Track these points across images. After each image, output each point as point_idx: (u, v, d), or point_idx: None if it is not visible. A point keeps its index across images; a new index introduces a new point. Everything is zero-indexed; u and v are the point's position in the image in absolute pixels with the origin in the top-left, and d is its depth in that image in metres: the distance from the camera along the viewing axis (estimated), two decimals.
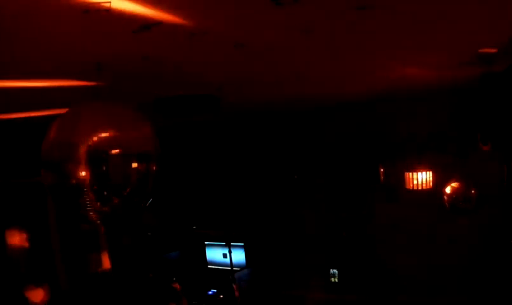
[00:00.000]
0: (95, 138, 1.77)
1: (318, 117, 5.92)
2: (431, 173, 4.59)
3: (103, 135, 1.80)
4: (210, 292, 6.13)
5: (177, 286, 5.66)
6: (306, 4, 1.52)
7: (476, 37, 2.40)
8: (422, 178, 4.56)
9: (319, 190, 5.92)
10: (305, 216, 6.10)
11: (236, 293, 5.35)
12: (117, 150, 1.80)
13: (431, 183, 4.60)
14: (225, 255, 6.14)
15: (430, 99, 5.08)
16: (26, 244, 5.17)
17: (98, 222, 1.87)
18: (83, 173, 1.73)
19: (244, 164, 6.38)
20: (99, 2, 1.28)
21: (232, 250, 5.43)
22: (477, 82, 3.73)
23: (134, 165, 1.85)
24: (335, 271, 5.71)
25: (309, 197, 6.04)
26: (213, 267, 6.46)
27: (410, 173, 4.61)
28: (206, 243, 6.52)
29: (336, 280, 5.71)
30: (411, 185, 4.61)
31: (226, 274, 5.68)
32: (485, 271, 4.83)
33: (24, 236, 5.16)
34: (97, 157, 1.74)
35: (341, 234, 5.79)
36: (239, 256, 6.01)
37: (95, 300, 5.36)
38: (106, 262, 5.50)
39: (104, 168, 1.76)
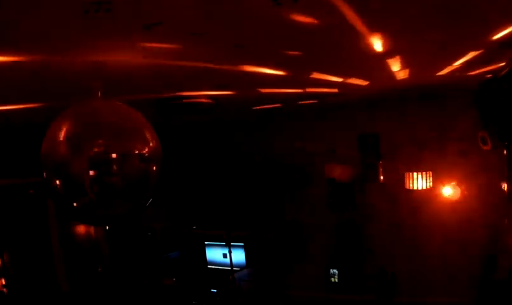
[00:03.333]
0: (95, 139, 1.77)
1: (316, 117, 5.93)
2: (430, 173, 4.59)
3: (104, 135, 1.79)
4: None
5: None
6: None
7: None
8: (421, 178, 4.56)
9: (319, 190, 5.92)
10: (305, 216, 6.10)
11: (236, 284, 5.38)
12: (117, 151, 1.80)
13: (431, 183, 4.60)
14: (225, 255, 6.13)
15: (430, 99, 5.07)
16: None
17: (98, 222, 1.86)
18: (83, 174, 1.73)
19: (243, 163, 6.38)
20: (99, 3, 1.28)
21: (232, 250, 5.43)
22: (478, 83, 3.74)
23: (135, 165, 1.84)
24: (335, 270, 5.71)
25: (308, 197, 6.05)
26: (213, 267, 6.46)
27: (410, 173, 4.61)
28: (206, 243, 6.52)
29: (336, 280, 5.70)
30: (411, 185, 4.61)
31: (226, 274, 5.67)
32: (485, 271, 4.82)
33: None
34: (97, 158, 1.74)
35: (341, 233, 5.78)
36: (239, 256, 6.01)
37: (95, 300, 5.36)
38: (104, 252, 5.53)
39: (104, 168, 1.76)
